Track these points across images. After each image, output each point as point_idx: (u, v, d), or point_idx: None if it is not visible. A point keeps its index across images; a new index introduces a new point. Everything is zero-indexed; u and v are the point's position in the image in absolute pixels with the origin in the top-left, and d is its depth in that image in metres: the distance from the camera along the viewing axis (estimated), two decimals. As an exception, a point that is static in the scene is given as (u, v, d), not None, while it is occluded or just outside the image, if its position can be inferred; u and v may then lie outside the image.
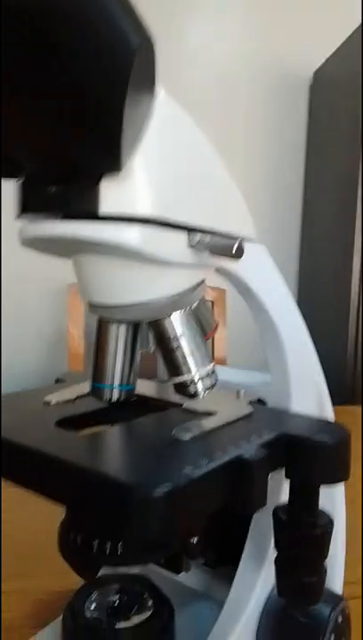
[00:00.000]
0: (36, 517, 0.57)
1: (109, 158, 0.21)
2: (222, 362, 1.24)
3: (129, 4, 0.18)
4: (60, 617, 0.33)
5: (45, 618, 0.38)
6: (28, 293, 1.63)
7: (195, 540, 0.33)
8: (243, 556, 0.33)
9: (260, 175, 1.73)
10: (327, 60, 1.62)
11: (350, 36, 1.47)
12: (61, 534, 0.38)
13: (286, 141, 1.76)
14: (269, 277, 0.33)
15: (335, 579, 0.37)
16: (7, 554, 0.50)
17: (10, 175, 0.25)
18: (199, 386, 0.29)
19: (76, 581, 0.35)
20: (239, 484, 0.24)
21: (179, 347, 0.29)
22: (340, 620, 0.32)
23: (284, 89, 1.73)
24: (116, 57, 0.18)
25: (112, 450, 0.26)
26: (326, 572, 0.28)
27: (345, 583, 0.38)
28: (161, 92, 0.23)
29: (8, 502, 0.62)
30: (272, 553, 0.33)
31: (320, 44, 1.60)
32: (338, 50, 1.55)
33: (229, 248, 0.25)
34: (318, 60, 1.65)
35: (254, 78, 1.70)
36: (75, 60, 0.17)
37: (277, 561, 0.29)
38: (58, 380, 0.38)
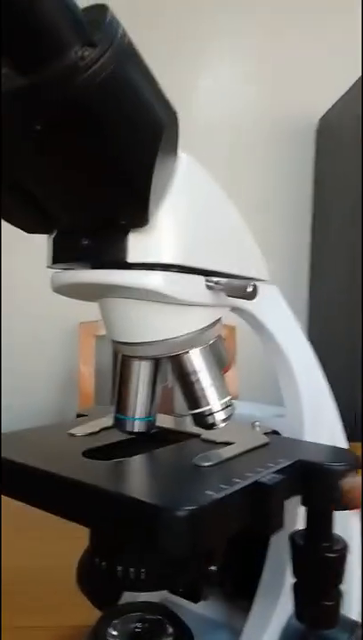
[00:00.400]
0: (51, 553, 0.58)
1: (139, 213, 0.24)
2: (234, 397, 1.25)
3: (158, 87, 0.21)
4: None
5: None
6: (40, 332, 1.66)
7: (214, 567, 0.34)
8: (260, 585, 0.35)
9: (269, 217, 1.79)
10: (333, 107, 1.70)
11: (353, 85, 1.54)
12: (81, 566, 0.39)
13: (294, 184, 1.82)
14: (281, 315, 0.36)
15: (352, 605, 0.37)
16: (26, 590, 0.51)
17: (45, 231, 0.28)
18: (218, 417, 0.31)
19: (93, 616, 0.36)
20: (258, 508, 0.25)
21: (198, 380, 0.31)
22: (357, 647, 0.32)
23: (291, 134, 1.80)
24: (149, 133, 0.21)
25: (138, 476, 0.27)
26: (342, 596, 0.30)
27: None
28: (183, 154, 0.26)
29: (21, 538, 0.63)
30: (289, 582, 0.34)
31: (326, 91, 1.68)
32: (342, 97, 1.62)
33: (243, 289, 0.28)
34: (324, 107, 1.73)
35: (263, 124, 1.78)
36: (116, 134, 0.20)
37: (295, 586, 0.30)
38: (79, 415, 0.40)
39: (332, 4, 1.74)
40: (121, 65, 0.19)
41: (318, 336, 1.66)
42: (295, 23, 1.75)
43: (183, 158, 0.27)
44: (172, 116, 0.22)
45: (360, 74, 1.45)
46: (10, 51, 0.19)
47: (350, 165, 1.55)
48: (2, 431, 0.34)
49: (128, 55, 0.19)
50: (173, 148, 0.24)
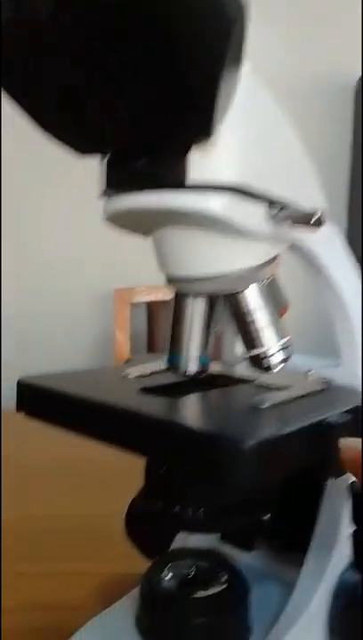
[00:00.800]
0: (96, 502, 0.59)
1: (203, 126, 0.22)
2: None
3: None
4: (135, 590, 0.33)
5: (113, 598, 0.39)
6: (74, 300, 1.67)
7: (267, 517, 0.33)
8: (314, 536, 0.33)
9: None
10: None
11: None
12: (131, 513, 0.39)
13: (332, 143, 1.76)
14: (340, 255, 0.33)
15: None
16: (71, 537, 0.52)
17: (98, 150, 0.27)
18: (275, 359, 0.30)
19: (140, 565, 0.36)
20: (322, 447, 0.24)
21: (254, 320, 0.29)
22: None
23: (329, 93, 1.73)
24: (216, 29, 0.19)
25: (198, 412, 0.26)
26: None
27: None
28: (247, 64, 0.24)
29: (65, 489, 0.64)
30: (344, 533, 0.33)
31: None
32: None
33: (309, 217, 0.26)
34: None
35: (298, 84, 1.71)
36: (178, 32, 0.18)
37: (355, 534, 0.29)
38: (128, 361, 0.40)
39: None
40: None
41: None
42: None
43: (247, 70, 0.24)
44: (241, 12, 0.20)
45: None
46: None
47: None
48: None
49: None
50: (240, 51, 0.22)
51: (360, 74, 1.69)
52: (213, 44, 0.19)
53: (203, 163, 0.24)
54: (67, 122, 0.23)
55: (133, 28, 0.19)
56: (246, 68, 0.24)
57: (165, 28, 0.19)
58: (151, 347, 1.42)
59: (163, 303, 1.33)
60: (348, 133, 1.76)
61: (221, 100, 0.21)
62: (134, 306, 1.42)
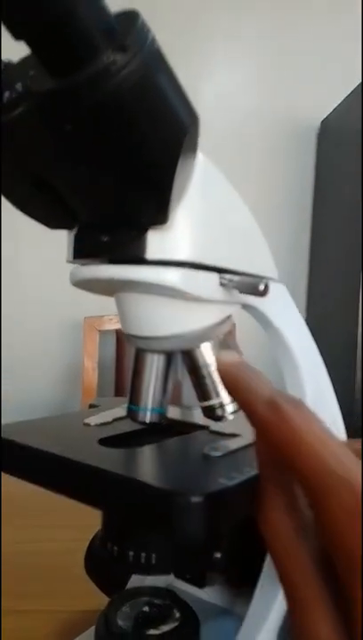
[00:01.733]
0: (56, 539, 0.60)
1: (160, 211, 0.25)
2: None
3: (182, 92, 0.22)
4: (91, 628, 0.35)
5: (73, 635, 0.41)
6: (43, 327, 1.68)
7: (219, 555, 0.35)
8: (263, 571, 0.36)
9: (271, 216, 1.80)
10: (334, 110, 1.71)
11: (354, 89, 1.55)
12: (90, 552, 0.40)
13: (295, 186, 1.83)
14: (289, 314, 0.37)
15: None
16: (32, 575, 0.53)
17: (65, 227, 0.29)
18: (227, 409, 0.32)
19: (97, 601, 0.37)
20: None
21: (209, 373, 0.32)
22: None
23: (292, 136, 1.81)
24: (174, 134, 0.22)
25: (152, 464, 0.29)
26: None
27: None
28: (200, 154, 0.28)
29: (25, 525, 0.64)
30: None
31: (327, 95, 1.69)
32: (344, 101, 1.64)
33: (255, 286, 0.29)
34: (326, 110, 1.74)
35: (265, 126, 1.79)
36: (142, 135, 0.21)
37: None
38: (91, 406, 0.42)
39: (333, 8, 1.75)
40: (150, 69, 0.20)
41: (315, 332, 1.67)
42: (296, 26, 1.76)
43: (200, 159, 0.28)
44: (194, 118, 0.23)
45: (362, 78, 1.47)
46: (43, 54, 0.20)
47: (350, 168, 1.56)
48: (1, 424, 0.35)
49: (157, 60, 0.20)
50: (193, 150, 0.25)
51: (322, 117, 1.78)
52: (168, 150, 0.23)
53: (160, 241, 0.27)
54: (35, 203, 0.26)
55: (95, 134, 0.21)
56: (200, 157, 0.28)
57: (125, 136, 0.22)
58: (119, 374, 1.43)
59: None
60: (310, 173, 1.84)
61: (175, 192, 0.25)
62: (103, 334, 1.43)
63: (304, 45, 1.76)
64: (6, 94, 0.21)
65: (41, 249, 1.58)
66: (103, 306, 1.40)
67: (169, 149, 0.22)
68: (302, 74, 1.78)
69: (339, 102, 1.65)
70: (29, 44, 0.19)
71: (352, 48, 1.71)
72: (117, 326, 1.42)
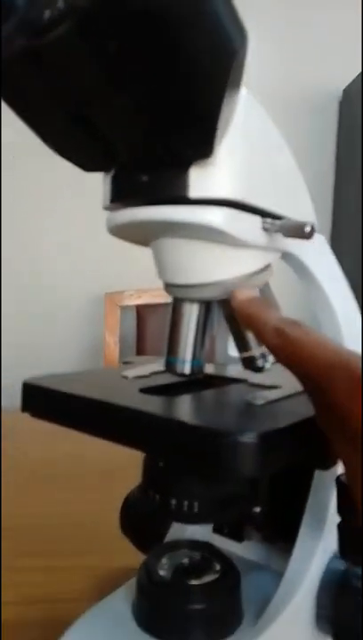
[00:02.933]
0: (91, 500, 0.61)
1: (204, 144, 0.24)
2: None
3: (233, 8, 0.21)
4: (132, 579, 0.35)
5: (109, 590, 0.41)
6: (65, 303, 1.68)
7: (258, 509, 0.35)
8: (302, 526, 0.35)
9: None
10: (356, 78, 1.66)
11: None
12: (126, 508, 0.40)
13: (317, 154, 1.79)
14: (329, 264, 0.36)
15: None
16: (69, 532, 0.53)
17: (102, 168, 0.28)
18: (268, 359, 0.32)
19: (134, 560, 0.37)
20: (312, 442, 0.26)
21: None
22: (399, 587, 0.33)
23: (315, 105, 1.77)
24: (222, 56, 0.21)
25: (197, 409, 0.28)
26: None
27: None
28: (243, 88, 0.26)
29: (62, 486, 0.65)
30: (331, 522, 0.35)
31: (350, 62, 1.64)
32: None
33: (300, 229, 0.28)
34: (348, 78, 1.69)
35: (287, 95, 1.75)
36: (187, 57, 0.20)
37: (340, 525, 0.31)
38: (126, 363, 0.41)
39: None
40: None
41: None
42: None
43: (244, 94, 0.27)
44: (244, 39, 0.22)
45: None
46: None
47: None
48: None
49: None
50: (239, 77, 0.24)
51: (345, 85, 1.73)
52: (217, 72, 0.21)
53: (202, 179, 0.26)
54: (73, 141, 0.25)
55: (140, 53, 0.20)
56: (243, 92, 0.27)
57: (172, 55, 0.20)
58: (140, 349, 1.43)
59: (152, 306, 1.35)
60: (332, 141, 1.80)
61: (221, 123, 0.23)
62: (124, 309, 1.43)
63: (326, 12, 1.71)
64: (47, 13, 0.20)
65: (63, 223, 1.57)
66: (124, 281, 1.39)
67: (217, 72, 0.21)
68: (323, 42, 1.73)
69: (361, 70, 1.60)
70: None
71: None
72: (138, 302, 1.42)
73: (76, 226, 1.54)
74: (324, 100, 1.77)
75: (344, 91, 1.74)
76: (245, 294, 0.29)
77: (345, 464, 0.24)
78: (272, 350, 0.26)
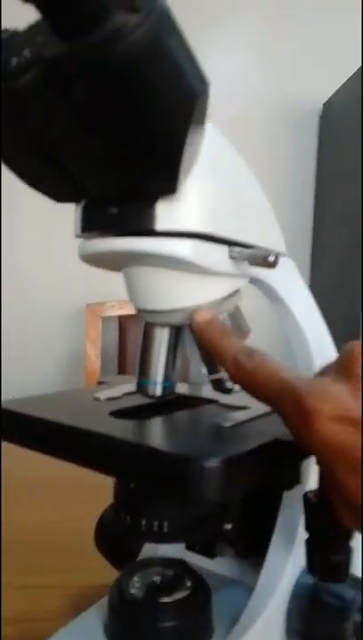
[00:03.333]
0: (64, 518, 0.61)
1: (169, 182, 0.25)
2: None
3: (193, 57, 0.22)
4: (105, 598, 0.36)
5: (84, 608, 0.41)
6: (46, 314, 1.68)
7: (229, 526, 0.36)
8: (272, 541, 0.36)
9: (273, 200, 1.79)
10: (336, 93, 1.69)
11: (357, 70, 1.54)
12: (100, 526, 0.41)
13: (297, 169, 1.82)
14: (298, 289, 0.37)
15: (357, 565, 0.39)
16: (42, 552, 0.54)
17: (74, 200, 0.29)
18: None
19: (109, 577, 0.38)
20: (277, 463, 0.27)
21: None
22: (364, 600, 0.34)
23: (294, 119, 1.80)
24: (184, 100, 0.22)
25: (165, 433, 0.29)
26: (352, 551, 0.31)
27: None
28: (209, 124, 0.27)
29: (40, 504, 0.65)
30: (300, 538, 0.36)
31: (329, 77, 1.68)
32: (346, 83, 1.62)
33: (265, 259, 0.29)
34: (328, 92, 1.72)
35: (267, 109, 1.78)
36: (153, 101, 0.21)
37: (307, 541, 0.32)
38: (100, 382, 0.42)
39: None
40: (162, 31, 0.19)
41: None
42: (298, 9, 1.74)
43: (209, 129, 0.28)
44: (205, 84, 0.23)
45: (362, 61, 1.45)
46: (53, 16, 0.19)
47: (352, 150, 1.55)
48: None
49: (168, 22, 0.20)
50: (203, 118, 0.25)
51: (325, 100, 1.77)
52: (179, 117, 0.22)
53: (169, 212, 0.27)
54: (44, 177, 0.26)
55: (105, 100, 0.21)
56: (210, 128, 0.28)
57: (135, 102, 0.21)
58: (122, 360, 1.43)
59: (134, 317, 1.36)
60: (312, 156, 1.83)
61: (184, 161, 0.24)
62: (105, 320, 1.44)
63: (306, 28, 1.74)
64: (14, 61, 0.21)
65: (42, 235, 1.57)
66: (105, 292, 1.40)
67: (179, 116, 0.22)
68: (303, 56, 1.76)
69: (341, 84, 1.64)
70: (38, 6, 0.19)
71: (354, 30, 1.69)
72: (120, 312, 1.42)
73: (57, 237, 1.54)
74: (304, 114, 1.80)
75: (324, 105, 1.78)
76: (203, 316, 0.30)
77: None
78: (231, 379, 0.27)
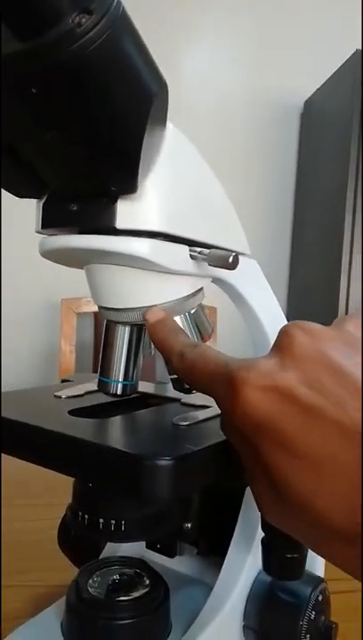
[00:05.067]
0: (28, 518, 0.60)
1: (128, 180, 0.25)
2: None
3: (150, 58, 0.22)
4: (62, 598, 0.36)
5: (45, 607, 0.41)
6: (19, 309, 1.66)
7: (188, 525, 0.36)
8: (232, 541, 0.37)
9: (253, 197, 1.80)
10: (317, 91, 1.71)
11: (338, 68, 1.55)
12: (63, 526, 0.41)
13: (278, 165, 1.83)
14: (260, 289, 0.37)
15: (317, 563, 0.40)
16: (9, 551, 0.53)
17: (35, 195, 0.29)
18: None
19: (70, 576, 0.38)
20: (230, 462, 0.27)
21: None
22: (320, 598, 0.35)
23: (276, 116, 1.81)
24: (140, 101, 0.22)
25: (121, 432, 0.29)
26: (307, 550, 0.32)
27: (333, 580, 0.41)
28: (170, 125, 0.27)
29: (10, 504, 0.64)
30: (259, 537, 0.36)
31: (311, 75, 1.69)
32: (327, 81, 1.64)
33: (225, 259, 0.29)
34: (309, 90, 1.74)
35: (249, 106, 1.78)
36: (108, 100, 0.21)
37: (263, 540, 0.32)
38: (64, 380, 0.42)
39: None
40: (115, 33, 0.20)
41: (297, 313, 1.70)
42: (281, 5, 1.75)
43: (171, 130, 0.28)
44: (162, 86, 0.23)
45: (345, 59, 1.47)
46: (8, 17, 0.19)
47: (332, 148, 1.57)
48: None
49: (122, 24, 0.20)
50: (162, 118, 0.25)
51: (306, 97, 1.78)
52: (136, 116, 0.22)
53: (129, 211, 0.27)
54: (4, 170, 0.26)
55: (63, 98, 0.21)
56: (170, 128, 0.28)
57: (92, 102, 0.21)
58: (98, 357, 1.43)
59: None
60: (293, 154, 1.85)
61: (144, 160, 0.24)
62: (81, 315, 1.43)
63: (288, 25, 1.75)
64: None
65: (14, 229, 1.55)
66: (81, 288, 1.39)
67: (136, 116, 0.22)
68: (285, 54, 1.77)
69: (322, 83, 1.65)
70: None
71: (336, 28, 1.71)
72: (95, 308, 1.41)
73: (27, 229, 1.52)
74: (285, 111, 1.82)
75: (305, 102, 1.79)
76: (154, 316, 0.30)
77: (244, 464, 0.24)
78: (177, 374, 0.27)
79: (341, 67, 1.54)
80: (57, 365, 1.38)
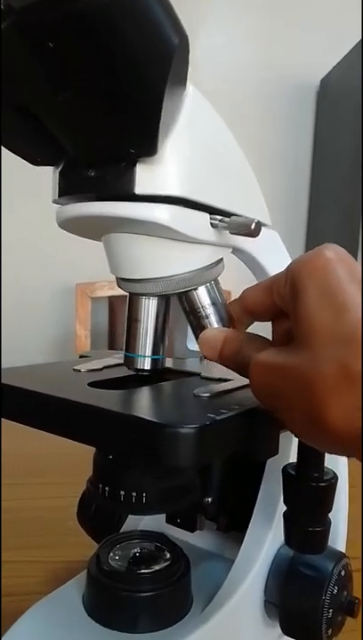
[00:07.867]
0: (47, 496, 0.61)
1: (148, 141, 0.24)
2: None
3: (171, 8, 0.21)
4: (83, 572, 0.36)
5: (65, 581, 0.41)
6: (35, 294, 1.67)
7: (209, 499, 0.36)
8: (253, 515, 0.36)
9: (268, 177, 1.77)
10: (333, 69, 1.67)
11: (355, 46, 1.51)
12: (83, 500, 0.41)
13: (294, 144, 1.80)
14: (281, 259, 0.36)
15: (339, 539, 0.39)
16: (28, 527, 0.54)
17: (50, 162, 0.28)
18: None
19: (89, 553, 0.38)
20: (255, 433, 0.27)
21: (208, 314, 0.32)
22: (343, 573, 0.34)
23: (292, 95, 1.77)
24: (160, 54, 0.21)
25: (143, 403, 0.29)
26: (330, 524, 0.31)
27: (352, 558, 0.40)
28: (190, 86, 0.26)
29: (30, 481, 0.65)
30: (281, 512, 0.36)
31: (327, 53, 1.65)
32: (343, 59, 1.60)
33: (247, 226, 0.28)
34: (325, 68, 1.70)
35: (264, 84, 1.75)
36: (126, 57, 0.20)
37: (285, 513, 0.32)
38: (82, 356, 0.41)
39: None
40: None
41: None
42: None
43: (191, 92, 0.27)
44: (183, 39, 0.22)
45: (361, 36, 1.43)
46: None
47: (348, 126, 1.54)
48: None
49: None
50: (182, 76, 0.24)
51: (322, 76, 1.74)
52: (156, 70, 0.21)
53: (149, 176, 0.26)
54: (20, 135, 0.25)
55: (80, 52, 0.20)
56: (190, 90, 0.27)
57: (111, 54, 0.20)
58: (112, 341, 1.43)
59: (124, 298, 1.35)
60: (309, 132, 1.82)
61: (164, 121, 0.24)
62: (96, 300, 1.43)
63: (305, 2, 1.71)
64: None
65: (30, 214, 1.55)
66: (95, 272, 1.38)
67: (156, 69, 0.21)
68: (301, 31, 1.73)
69: (338, 60, 1.62)
70: None
71: (354, 5, 1.66)
72: (110, 293, 1.41)
73: (42, 212, 1.52)
74: (301, 90, 1.78)
75: (322, 81, 1.75)
76: (231, 349, 0.29)
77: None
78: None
79: (357, 44, 1.50)
80: (73, 350, 1.39)
